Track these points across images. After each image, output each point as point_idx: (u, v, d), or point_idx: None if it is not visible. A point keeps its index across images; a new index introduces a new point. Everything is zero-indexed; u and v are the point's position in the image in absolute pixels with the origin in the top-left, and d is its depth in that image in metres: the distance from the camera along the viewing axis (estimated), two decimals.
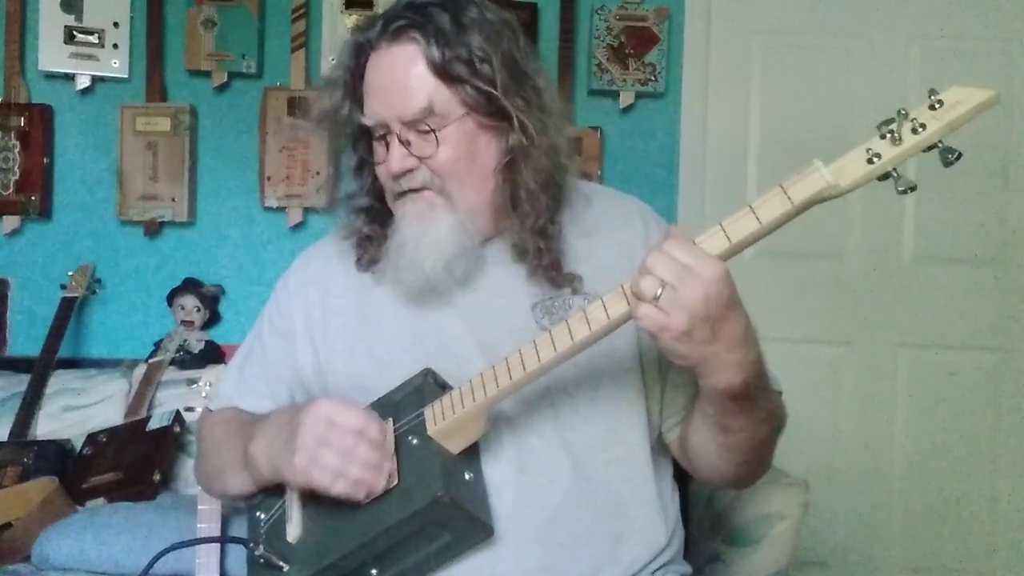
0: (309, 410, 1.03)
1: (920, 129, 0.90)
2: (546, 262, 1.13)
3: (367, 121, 1.12)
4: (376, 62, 1.11)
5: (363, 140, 1.18)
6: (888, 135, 0.90)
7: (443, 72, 1.08)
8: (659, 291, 0.90)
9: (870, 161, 0.91)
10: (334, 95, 1.15)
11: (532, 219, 1.12)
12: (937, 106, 0.90)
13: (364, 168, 1.19)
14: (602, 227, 1.19)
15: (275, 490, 1.14)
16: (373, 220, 1.20)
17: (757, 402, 1.03)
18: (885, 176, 0.92)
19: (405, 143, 1.09)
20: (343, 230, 1.23)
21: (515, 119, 1.09)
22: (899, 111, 0.91)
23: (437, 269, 1.10)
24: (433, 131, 1.09)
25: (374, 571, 1.04)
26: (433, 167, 1.10)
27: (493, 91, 1.08)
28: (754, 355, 0.98)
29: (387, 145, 1.12)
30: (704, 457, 1.13)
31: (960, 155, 0.90)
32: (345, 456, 1.00)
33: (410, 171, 1.10)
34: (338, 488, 1.01)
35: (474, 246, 1.13)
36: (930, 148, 0.91)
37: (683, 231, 0.94)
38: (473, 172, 1.11)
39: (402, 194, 1.13)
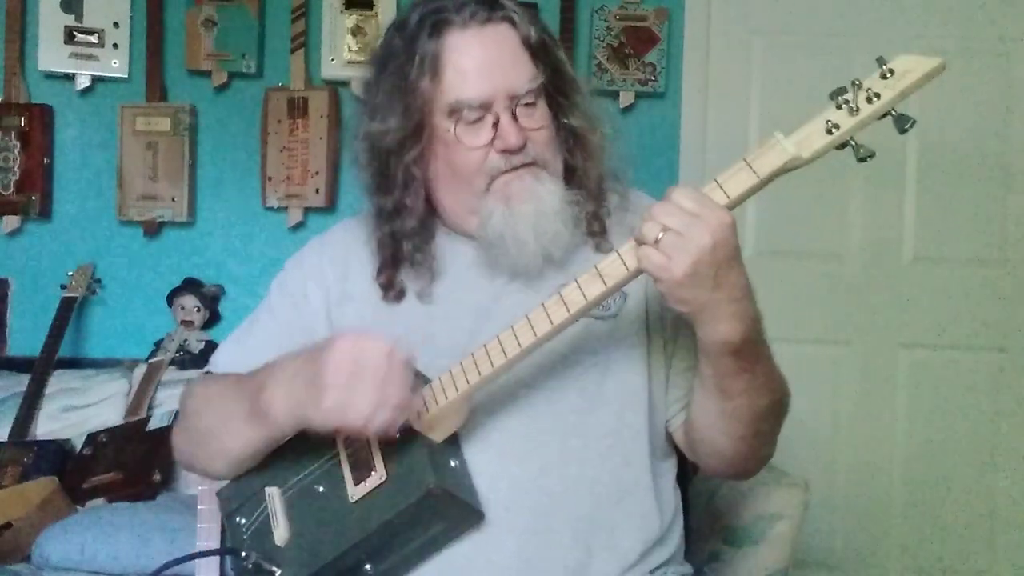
0: (329, 347, 0.98)
1: (875, 98, 0.92)
2: (597, 229, 1.18)
3: (472, 98, 1.09)
4: (470, 40, 1.10)
5: (412, 145, 1.13)
6: (844, 105, 0.93)
7: (533, 51, 1.12)
8: (660, 234, 0.92)
9: (829, 131, 0.94)
10: (410, 67, 1.10)
11: (591, 185, 1.17)
12: (888, 75, 0.92)
13: (411, 184, 1.14)
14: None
15: (253, 495, 1.13)
16: (418, 245, 1.16)
17: (757, 363, 1.03)
18: (843, 145, 0.94)
19: (515, 118, 1.10)
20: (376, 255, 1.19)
21: (574, 98, 1.16)
22: (852, 81, 0.94)
23: (561, 237, 1.11)
24: (535, 104, 1.12)
25: (368, 566, 1.05)
26: (538, 140, 1.12)
27: (567, 73, 1.15)
28: (753, 311, 0.99)
29: (494, 123, 1.09)
30: (705, 432, 1.12)
31: (914, 122, 0.92)
32: (382, 385, 0.96)
33: (521, 148, 1.11)
34: (379, 420, 0.97)
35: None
36: (884, 116, 0.93)
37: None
38: (554, 147, 1.16)
39: (504, 172, 1.11)
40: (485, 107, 1.09)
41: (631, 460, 1.15)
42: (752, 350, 1.01)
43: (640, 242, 0.94)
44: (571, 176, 1.17)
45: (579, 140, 1.18)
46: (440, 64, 1.09)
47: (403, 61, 1.11)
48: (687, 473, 1.24)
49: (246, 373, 1.13)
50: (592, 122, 1.18)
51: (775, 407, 1.10)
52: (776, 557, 1.60)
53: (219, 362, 1.26)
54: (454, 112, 1.10)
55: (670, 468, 1.22)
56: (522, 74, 1.11)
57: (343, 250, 1.24)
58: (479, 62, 1.10)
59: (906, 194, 2.69)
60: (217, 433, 1.14)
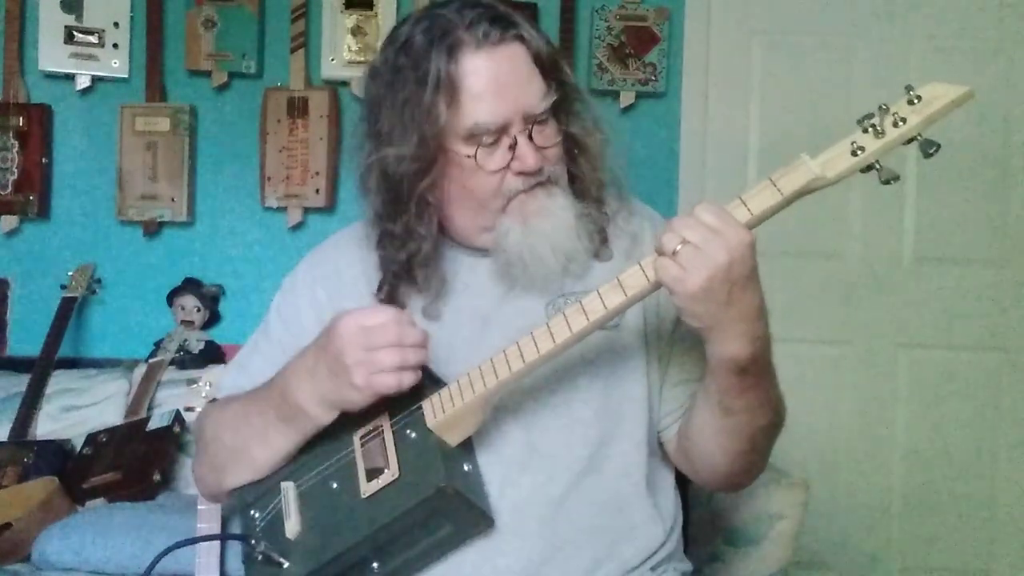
0: (336, 331, 1.02)
1: (901, 123, 0.94)
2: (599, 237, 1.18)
3: (490, 122, 1.07)
4: (484, 63, 1.07)
5: (427, 172, 1.11)
6: (871, 128, 0.95)
7: (544, 67, 1.12)
8: (678, 246, 0.92)
9: (854, 153, 0.95)
10: (424, 91, 1.06)
11: (593, 192, 1.18)
12: (916, 101, 0.94)
13: (425, 211, 1.12)
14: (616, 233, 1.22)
15: (268, 489, 1.14)
16: (431, 271, 1.16)
17: (761, 383, 1.04)
18: (868, 168, 0.96)
19: (531, 138, 1.09)
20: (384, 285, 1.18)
21: (576, 107, 1.16)
22: (880, 106, 0.95)
23: (579, 253, 1.13)
24: (548, 119, 1.12)
25: (375, 564, 1.05)
26: (551, 157, 1.13)
27: (570, 84, 1.15)
28: (763, 332, 0.99)
29: (511, 146, 1.08)
30: (701, 446, 1.13)
31: (939, 147, 0.94)
32: (399, 348, 1.01)
33: (540, 168, 1.11)
34: (406, 380, 1.02)
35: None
36: (910, 141, 0.95)
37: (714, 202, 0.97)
38: (563, 159, 1.16)
39: (519, 193, 1.11)
40: (502, 130, 1.08)
41: (633, 470, 1.15)
42: (758, 370, 1.01)
43: (659, 253, 0.95)
44: (573, 182, 1.17)
45: (580, 146, 1.18)
46: (456, 88, 1.07)
47: (414, 83, 1.08)
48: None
49: (255, 389, 1.16)
50: (592, 127, 1.19)
51: (772, 426, 1.11)
52: (776, 557, 1.60)
53: (224, 386, 1.28)
54: (472, 137, 1.08)
55: (669, 474, 1.22)
56: (536, 92, 1.10)
57: (334, 266, 1.24)
58: (495, 85, 1.07)
59: (906, 194, 2.69)
60: (245, 448, 1.16)
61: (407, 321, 1.03)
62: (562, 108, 1.15)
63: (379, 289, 1.17)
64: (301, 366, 1.08)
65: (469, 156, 1.09)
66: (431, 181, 1.11)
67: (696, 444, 1.14)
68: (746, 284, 0.94)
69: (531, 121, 1.09)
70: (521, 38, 1.10)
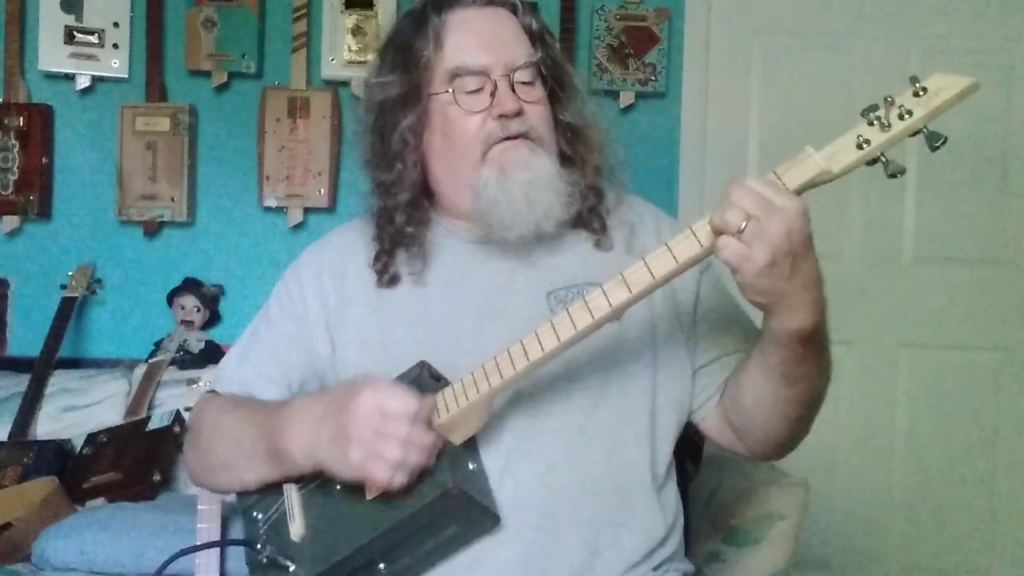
0: (356, 400, 0.99)
1: (907, 115, 0.92)
2: (597, 225, 1.19)
3: (471, 64, 1.13)
4: (471, 17, 1.15)
5: (410, 109, 1.16)
6: (876, 121, 0.93)
7: (533, 38, 1.18)
8: (744, 224, 0.91)
9: (860, 147, 0.93)
10: (415, 38, 1.15)
11: (589, 180, 1.19)
12: (921, 93, 0.92)
13: (405, 151, 1.16)
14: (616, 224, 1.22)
15: (271, 488, 1.13)
16: (410, 217, 1.18)
17: (822, 349, 1.04)
18: (874, 161, 0.94)
19: (512, 88, 1.13)
20: (370, 235, 1.21)
21: (572, 94, 1.19)
22: (885, 98, 0.93)
23: (553, 210, 1.12)
24: (533, 82, 1.16)
25: (382, 565, 1.05)
26: (533, 114, 1.15)
27: (562, 64, 1.19)
28: (822, 297, 0.99)
29: (492, 92, 1.12)
30: (759, 418, 1.13)
31: (945, 140, 0.92)
32: (405, 446, 0.98)
33: (518, 115, 1.13)
34: (397, 480, 0.99)
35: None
36: (916, 133, 0.93)
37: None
38: (550, 127, 1.18)
39: (502, 140, 1.13)
40: (484, 74, 1.13)
41: (635, 461, 1.15)
42: (820, 336, 1.02)
43: (720, 231, 0.93)
44: (569, 167, 1.18)
45: (577, 134, 1.19)
46: (443, 35, 1.14)
47: (409, 35, 1.16)
48: (687, 473, 1.24)
49: (262, 405, 1.15)
50: (589, 119, 1.20)
51: (827, 387, 1.12)
52: (776, 557, 1.59)
53: (224, 377, 1.26)
54: (454, 78, 1.13)
55: (671, 468, 1.22)
56: (520, 49, 1.15)
57: (339, 256, 1.24)
58: (479, 34, 1.15)
59: (906, 194, 2.69)
60: (234, 465, 1.16)
61: (423, 419, 1.00)
62: (556, 90, 1.18)
63: (376, 260, 1.19)
64: (308, 411, 1.06)
65: (448, 91, 1.13)
66: (413, 121, 1.15)
67: (753, 417, 1.14)
68: (805, 252, 0.94)
69: (513, 72, 1.13)
70: (512, 7, 1.18)
